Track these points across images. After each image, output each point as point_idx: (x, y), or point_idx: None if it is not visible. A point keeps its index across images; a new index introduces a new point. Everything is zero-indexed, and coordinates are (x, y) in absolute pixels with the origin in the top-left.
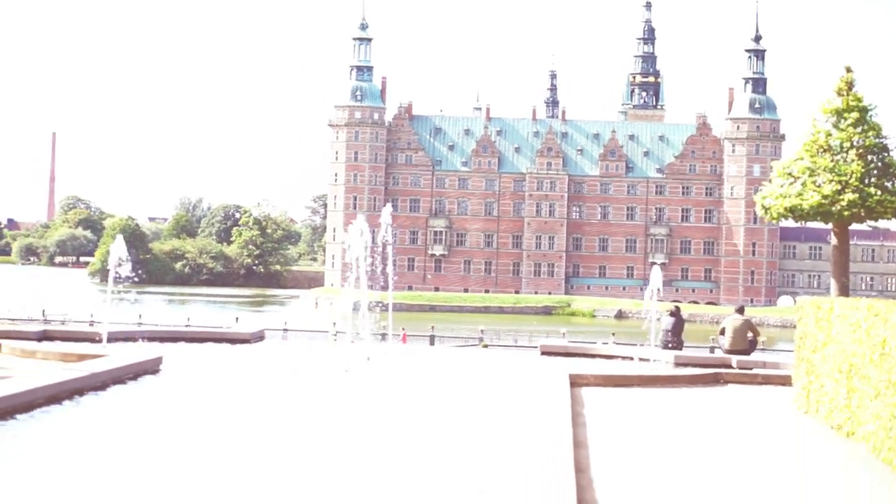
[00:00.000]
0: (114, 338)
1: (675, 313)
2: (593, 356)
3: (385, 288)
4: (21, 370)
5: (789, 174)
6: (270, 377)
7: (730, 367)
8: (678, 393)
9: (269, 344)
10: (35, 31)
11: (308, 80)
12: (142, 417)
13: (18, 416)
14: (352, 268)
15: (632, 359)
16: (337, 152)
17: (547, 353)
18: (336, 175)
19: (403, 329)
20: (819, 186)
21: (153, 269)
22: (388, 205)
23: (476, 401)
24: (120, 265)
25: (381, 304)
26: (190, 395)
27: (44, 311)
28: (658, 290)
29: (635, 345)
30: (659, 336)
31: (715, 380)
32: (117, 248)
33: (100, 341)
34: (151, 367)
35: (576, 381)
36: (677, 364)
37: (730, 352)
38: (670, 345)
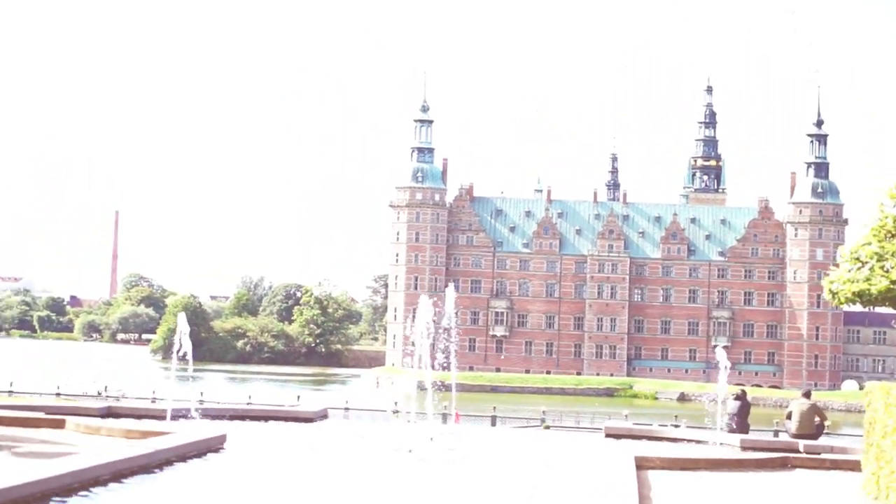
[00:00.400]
0: (177, 415)
1: (741, 397)
2: (659, 439)
3: (446, 368)
4: (85, 447)
5: (857, 259)
6: (335, 456)
7: (797, 451)
8: (746, 477)
9: (332, 423)
10: (97, 111)
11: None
12: (206, 496)
13: (83, 493)
14: (415, 348)
15: (706, 442)
16: (398, 233)
17: (612, 435)
18: (397, 255)
19: (456, 410)
20: (888, 272)
21: (214, 346)
22: (451, 285)
23: (542, 482)
24: (182, 345)
25: (442, 385)
26: (254, 474)
27: (105, 387)
28: (724, 370)
29: (702, 428)
30: (724, 419)
31: (782, 464)
32: (181, 327)
33: (164, 418)
34: (215, 445)
35: (642, 464)
36: (743, 448)
37: (797, 436)
38: (736, 428)
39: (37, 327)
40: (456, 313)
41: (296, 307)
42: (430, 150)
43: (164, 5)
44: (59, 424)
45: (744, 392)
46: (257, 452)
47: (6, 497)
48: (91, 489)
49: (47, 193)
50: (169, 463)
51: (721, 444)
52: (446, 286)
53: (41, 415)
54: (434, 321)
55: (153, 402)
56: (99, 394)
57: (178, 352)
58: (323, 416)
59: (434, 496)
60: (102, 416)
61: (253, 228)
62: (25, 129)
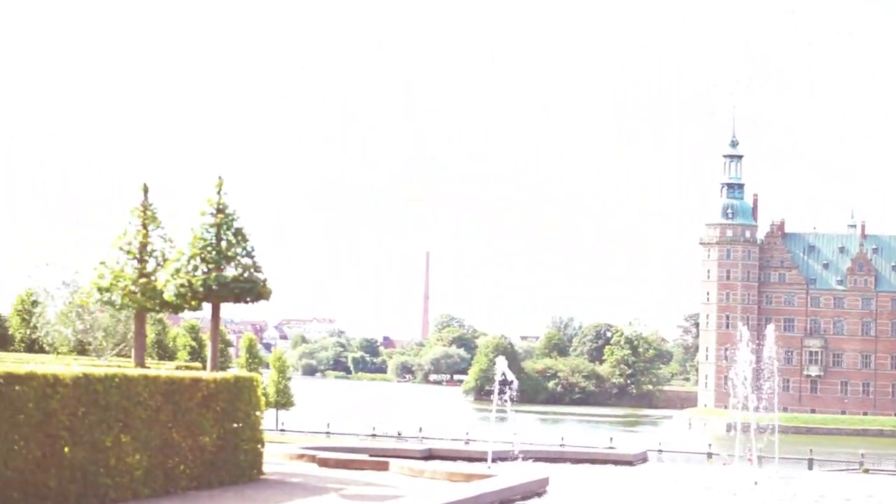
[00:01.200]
0: (497, 457)
1: None
2: None
3: (760, 409)
4: (411, 490)
5: None
6: (659, 501)
7: None
8: None
9: (652, 466)
10: (409, 155)
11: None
12: None
13: None
14: (733, 389)
15: None
16: (709, 271)
17: None
18: (708, 294)
19: (749, 451)
20: None
21: (525, 387)
22: (771, 325)
23: None
24: (504, 384)
25: (757, 427)
26: None
27: (420, 428)
28: None
29: None
30: None
31: None
32: (501, 368)
33: (483, 460)
34: (538, 489)
35: None
36: None
37: None
38: None
39: (351, 368)
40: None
41: (606, 347)
42: (740, 186)
43: None
44: (383, 467)
45: None
46: (580, 497)
47: None
48: None
49: (359, 237)
50: None
51: None
52: (758, 325)
53: (365, 457)
54: (751, 362)
55: (466, 443)
56: (398, 434)
57: (498, 393)
58: (642, 458)
59: None
60: (425, 459)
61: (562, 268)
62: (332, 174)
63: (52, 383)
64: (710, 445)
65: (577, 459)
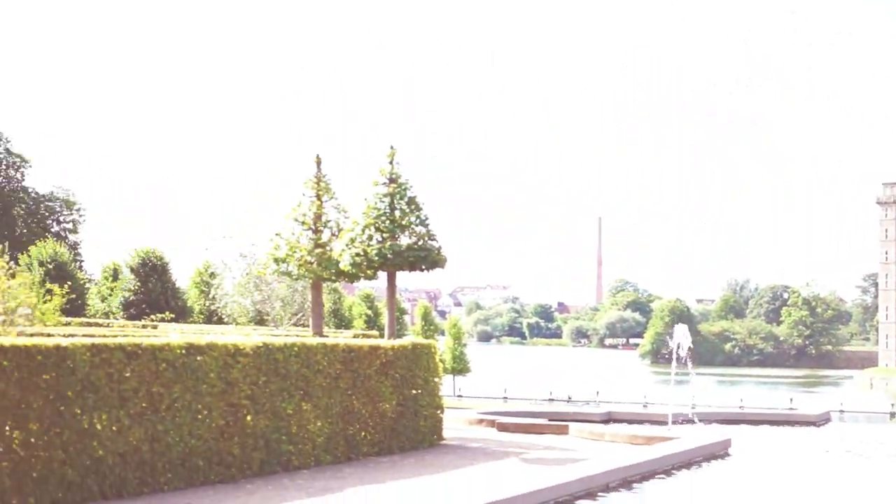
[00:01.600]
0: (676, 420)
1: None
2: None
3: None
4: (592, 453)
5: None
6: (846, 461)
7: None
8: None
9: (835, 426)
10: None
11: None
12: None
13: (596, 497)
14: None
15: None
16: (887, 230)
17: None
18: (887, 253)
19: None
20: None
21: (702, 350)
22: None
23: None
24: (681, 349)
25: None
26: (766, 481)
27: (597, 392)
28: None
29: None
30: None
31: None
32: (681, 333)
33: (662, 423)
34: (720, 451)
35: None
36: None
37: None
38: None
39: (526, 334)
40: None
41: (783, 308)
42: None
43: None
44: (563, 430)
45: None
46: (765, 457)
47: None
48: (603, 493)
49: (530, 202)
50: (675, 469)
51: None
52: None
53: (544, 421)
54: None
55: (645, 406)
56: (568, 399)
57: (676, 356)
58: (825, 419)
59: None
60: (604, 422)
61: (737, 230)
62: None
63: (232, 353)
64: (892, 405)
65: (758, 421)
